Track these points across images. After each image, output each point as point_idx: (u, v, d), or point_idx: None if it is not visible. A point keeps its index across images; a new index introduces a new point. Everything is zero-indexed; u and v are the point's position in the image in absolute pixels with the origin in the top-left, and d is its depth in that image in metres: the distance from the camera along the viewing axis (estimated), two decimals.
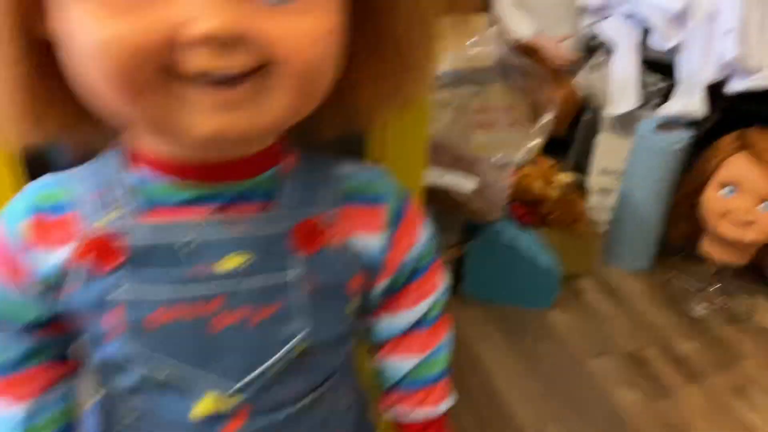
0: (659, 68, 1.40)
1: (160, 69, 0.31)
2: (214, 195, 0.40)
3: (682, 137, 1.32)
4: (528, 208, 1.31)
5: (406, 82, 0.42)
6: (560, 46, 1.49)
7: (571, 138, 1.61)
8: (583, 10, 1.55)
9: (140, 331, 0.40)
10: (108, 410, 0.45)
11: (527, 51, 1.41)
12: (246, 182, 0.41)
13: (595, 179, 1.53)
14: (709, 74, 1.28)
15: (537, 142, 1.35)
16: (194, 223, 0.39)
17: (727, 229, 1.23)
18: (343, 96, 0.41)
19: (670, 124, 1.34)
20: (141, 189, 0.40)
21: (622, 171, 1.43)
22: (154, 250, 0.39)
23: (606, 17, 1.49)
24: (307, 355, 0.43)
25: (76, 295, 0.40)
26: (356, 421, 0.52)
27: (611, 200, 1.49)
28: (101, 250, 0.39)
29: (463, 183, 1.12)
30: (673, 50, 1.36)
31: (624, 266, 1.46)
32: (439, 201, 1.15)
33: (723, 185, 1.23)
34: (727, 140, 1.24)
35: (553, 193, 1.28)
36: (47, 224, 0.40)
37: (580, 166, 1.56)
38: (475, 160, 1.18)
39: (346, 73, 0.39)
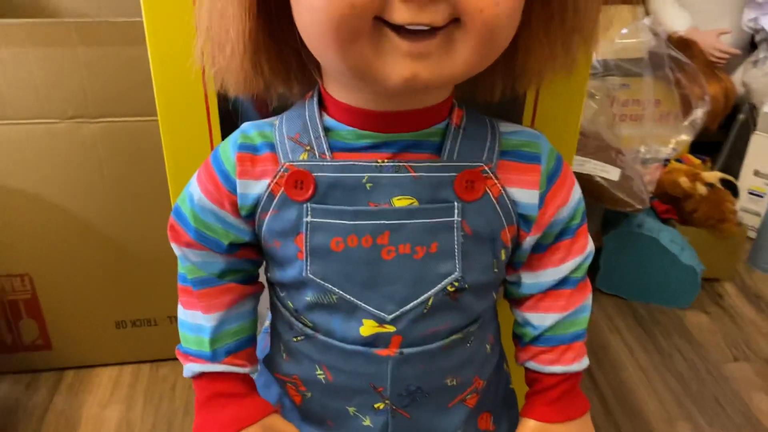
0: None
1: (371, 20, 0.37)
2: (390, 143, 0.46)
3: None
4: (672, 203, 1.28)
5: (575, 43, 0.45)
6: (718, 41, 1.43)
7: (724, 136, 1.54)
8: (746, 4, 1.48)
9: (320, 255, 0.46)
10: (286, 325, 0.52)
11: (682, 44, 1.37)
12: (418, 133, 0.46)
13: (745, 181, 1.46)
14: None
15: (686, 137, 1.31)
16: (371, 166, 0.45)
17: None
18: (516, 54, 0.46)
19: None
20: (329, 134, 0.47)
21: None
22: (337, 186, 0.46)
23: None
24: (457, 295, 0.48)
25: (271, 220, 0.47)
26: (496, 368, 0.56)
27: (762, 205, 1.41)
28: (295, 183, 0.46)
29: (607, 171, 1.11)
30: None
31: None
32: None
33: None
34: None
35: (701, 190, 1.24)
36: (253, 159, 0.48)
37: (731, 167, 1.49)
38: (619, 150, 1.17)
39: (520, 30, 0.42)
